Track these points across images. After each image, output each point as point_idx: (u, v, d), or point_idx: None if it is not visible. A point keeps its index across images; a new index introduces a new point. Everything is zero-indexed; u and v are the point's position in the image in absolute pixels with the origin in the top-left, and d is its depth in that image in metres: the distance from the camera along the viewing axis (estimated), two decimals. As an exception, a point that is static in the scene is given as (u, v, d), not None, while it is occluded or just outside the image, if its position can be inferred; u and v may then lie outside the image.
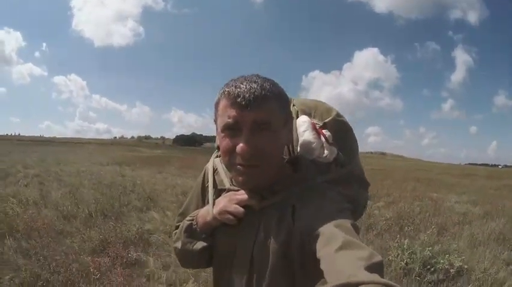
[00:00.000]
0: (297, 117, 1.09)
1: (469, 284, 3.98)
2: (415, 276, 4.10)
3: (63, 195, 7.94)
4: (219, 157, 1.07)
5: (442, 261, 4.28)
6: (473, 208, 9.48)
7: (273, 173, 0.94)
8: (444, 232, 6.48)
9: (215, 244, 1.07)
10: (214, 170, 1.13)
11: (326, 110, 1.09)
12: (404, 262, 4.35)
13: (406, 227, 6.46)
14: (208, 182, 1.13)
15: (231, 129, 0.89)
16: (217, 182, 1.10)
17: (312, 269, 0.83)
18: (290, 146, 1.05)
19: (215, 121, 0.96)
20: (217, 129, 0.96)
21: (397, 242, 4.93)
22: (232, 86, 0.88)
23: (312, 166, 1.01)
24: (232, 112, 0.87)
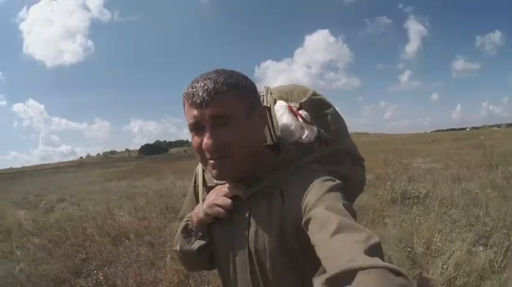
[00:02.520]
0: (275, 104, 1.09)
1: (434, 201, 6.13)
2: (399, 202, 6.35)
3: (119, 206, 9.02)
4: None
5: (413, 191, 6.64)
6: (436, 164, 11.44)
7: (246, 163, 0.93)
8: (413, 181, 8.53)
9: (213, 240, 1.06)
10: (204, 170, 1.14)
11: (302, 92, 1.10)
12: (390, 196, 6.65)
13: (385, 182, 8.21)
14: (198, 182, 1.14)
15: (195, 129, 0.90)
16: (207, 180, 1.12)
17: (313, 252, 0.77)
18: (272, 132, 1.06)
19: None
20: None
21: (382, 185, 7.36)
22: (190, 86, 0.90)
23: (295, 148, 1.01)
24: (193, 112, 0.88)
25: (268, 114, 1.07)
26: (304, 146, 1.02)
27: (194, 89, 0.88)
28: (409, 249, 4.02)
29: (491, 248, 3.95)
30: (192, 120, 0.89)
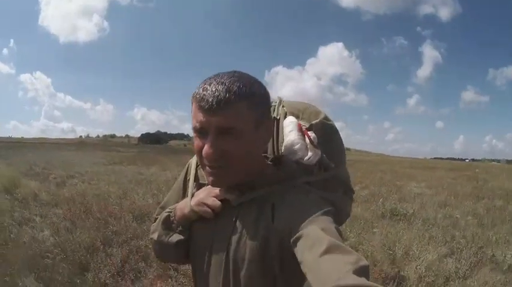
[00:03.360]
0: (285, 118, 1.08)
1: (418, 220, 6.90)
2: (387, 217, 7.11)
3: (131, 189, 9.41)
4: None
5: (401, 209, 7.44)
6: (428, 190, 12.20)
7: (243, 173, 0.93)
8: (403, 201, 9.32)
9: (192, 238, 1.06)
10: (198, 165, 1.12)
11: (314, 113, 1.09)
12: (380, 211, 7.45)
13: (378, 199, 9.10)
14: (190, 176, 1.13)
15: (199, 133, 0.90)
16: (199, 176, 1.11)
17: (292, 270, 0.84)
18: (275, 145, 1.06)
19: None
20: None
21: (375, 201, 8.21)
22: (201, 87, 0.87)
23: (295, 166, 1.01)
24: (199, 116, 0.87)
25: (275, 126, 1.07)
26: (304, 167, 1.01)
27: (204, 92, 0.86)
28: (390, 252, 4.74)
29: (459, 261, 4.68)
30: (197, 124, 0.88)
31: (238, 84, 0.86)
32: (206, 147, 0.87)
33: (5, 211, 6.48)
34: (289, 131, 1.03)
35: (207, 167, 0.92)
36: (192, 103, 0.90)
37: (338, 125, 1.16)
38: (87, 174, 13.62)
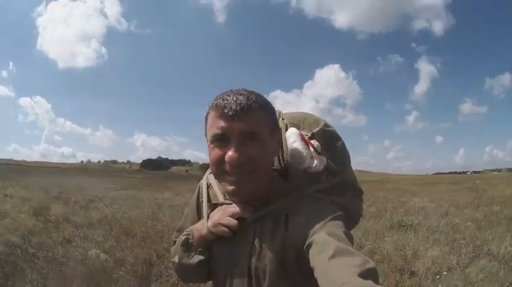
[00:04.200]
0: (286, 130, 1.10)
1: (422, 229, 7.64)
2: (396, 228, 7.86)
3: (156, 212, 10.12)
4: None
5: (407, 221, 8.25)
6: (431, 203, 12.92)
7: (263, 182, 0.96)
8: (408, 214, 10.01)
9: (213, 257, 1.08)
10: (208, 185, 1.15)
11: (314, 121, 1.12)
12: (389, 223, 8.23)
13: (385, 214, 9.82)
14: (202, 197, 1.15)
15: (219, 140, 0.92)
16: (211, 196, 1.13)
17: (311, 276, 0.82)
18: (281, 158, 1.06)
19: (205, 135, 0.98)
20: (207, 142, 0.97)
21: (383, 216, 9.02)
22: (220, 98, 0.92)
23: (303, 176, 1.03)
24: (220, 123, 0.90)
25: None
26: (312, 175, 1.03)
27: (226, 101, 0.91)
28: (401, 252, 5.58)
29: (460, 256, 5.45)
30: (218, 131, 0.91)
31: (254, 95, 0.95)
32: (231, 152, 0.90)
33: (41, 232, 6.79)
34: (293, 142, 1.05)
35: (228, 176, 0.95)
36: (207, 116, 0.98)
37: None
38: (105, 198, 14.11)
